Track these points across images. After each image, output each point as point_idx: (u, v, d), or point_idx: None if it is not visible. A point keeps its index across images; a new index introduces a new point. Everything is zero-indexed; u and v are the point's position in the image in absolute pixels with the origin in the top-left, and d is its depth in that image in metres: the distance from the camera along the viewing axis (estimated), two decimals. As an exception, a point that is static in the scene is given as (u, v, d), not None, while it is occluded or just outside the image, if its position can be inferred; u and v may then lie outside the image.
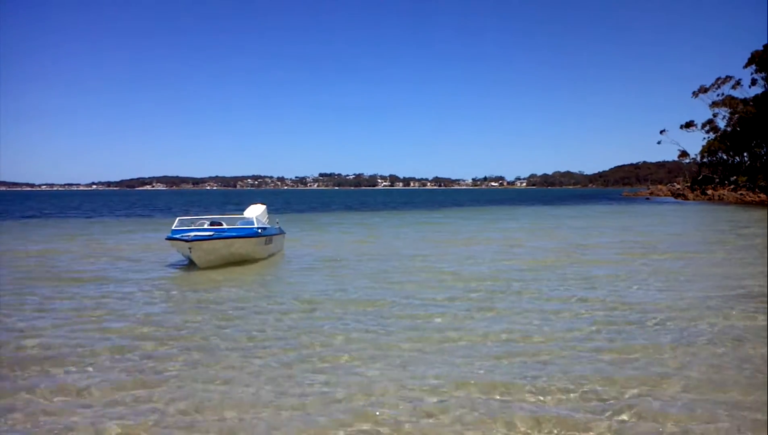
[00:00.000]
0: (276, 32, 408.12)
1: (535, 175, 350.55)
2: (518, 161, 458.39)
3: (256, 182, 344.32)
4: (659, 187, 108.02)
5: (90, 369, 7.37)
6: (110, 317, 10.25)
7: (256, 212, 19.59)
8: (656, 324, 9.35)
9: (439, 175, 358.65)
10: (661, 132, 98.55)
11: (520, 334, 8.78)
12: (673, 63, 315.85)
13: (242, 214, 19.65)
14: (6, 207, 68.76)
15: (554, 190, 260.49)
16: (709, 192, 76.63)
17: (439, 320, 9.80)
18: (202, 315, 10.39)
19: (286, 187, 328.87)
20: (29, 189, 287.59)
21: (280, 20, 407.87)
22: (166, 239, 16.29)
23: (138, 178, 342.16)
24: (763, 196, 66.18)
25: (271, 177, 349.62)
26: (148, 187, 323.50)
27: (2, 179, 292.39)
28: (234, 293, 12.53)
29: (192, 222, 17.99)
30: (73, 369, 7.37)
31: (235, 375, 7.07)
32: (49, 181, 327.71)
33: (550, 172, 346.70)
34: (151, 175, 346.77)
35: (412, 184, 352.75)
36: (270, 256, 18.66)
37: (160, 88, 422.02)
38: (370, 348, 8.16)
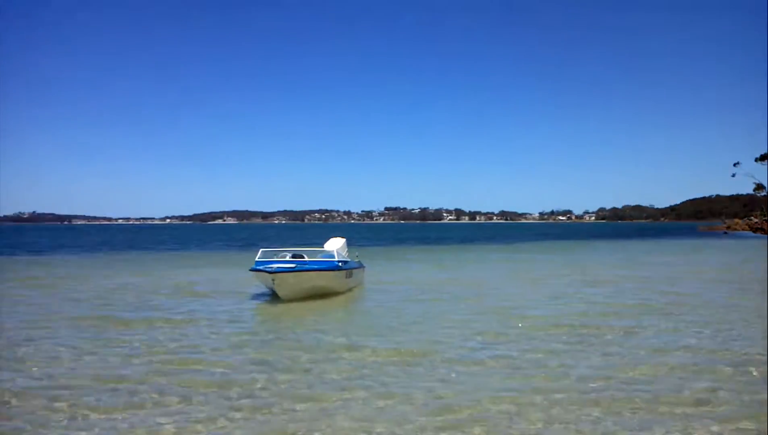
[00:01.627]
0: (339, 62, 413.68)
1: (604, 208, 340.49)
2: (586, 194, 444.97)
3: (323, 216, 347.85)
4: (735, 221, 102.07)
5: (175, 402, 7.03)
6: (194, 350, 10.07)
7: (336, 245, 19.48)
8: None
9: (506, 209, 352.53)
10: (735, 164, 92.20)
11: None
12: (748, 91, 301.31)
13: (322, 248, 19.41)
14: (83, 240, 71.46)
15: (625, 224, 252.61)
16: (790, 226, 72.16)
17: (537, 360, 9.01)
18: (288, 349, 10.18)
19: (352, 221, 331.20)
20: (107, 223, 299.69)
21: (340, 50, 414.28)
22: (250, 271, 16.24)
23: (210, 213, 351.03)
24: None
25: (338, 211, 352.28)
26: (220, 221, 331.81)
27: (82, 213, 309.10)
28: (322, 328, 12.21)
29: (274, 254, 17.86)
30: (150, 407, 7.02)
31: (323, 411, 6.90)
32: (125, 215, 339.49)
33: (619, 206, 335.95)
34: (222, 209, 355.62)
35: (478, 217, 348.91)
36: (350, 289, 18.24)
37: (229, 124, 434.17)
38: (461, 392, 7.56)
